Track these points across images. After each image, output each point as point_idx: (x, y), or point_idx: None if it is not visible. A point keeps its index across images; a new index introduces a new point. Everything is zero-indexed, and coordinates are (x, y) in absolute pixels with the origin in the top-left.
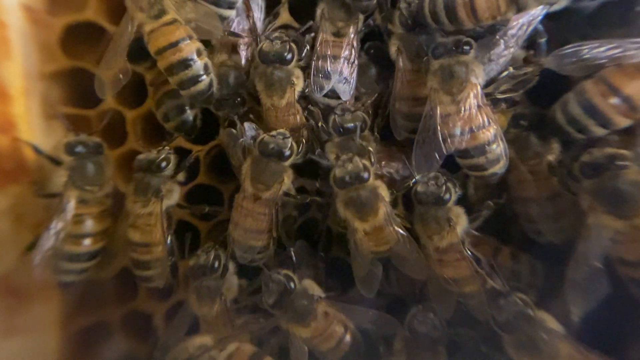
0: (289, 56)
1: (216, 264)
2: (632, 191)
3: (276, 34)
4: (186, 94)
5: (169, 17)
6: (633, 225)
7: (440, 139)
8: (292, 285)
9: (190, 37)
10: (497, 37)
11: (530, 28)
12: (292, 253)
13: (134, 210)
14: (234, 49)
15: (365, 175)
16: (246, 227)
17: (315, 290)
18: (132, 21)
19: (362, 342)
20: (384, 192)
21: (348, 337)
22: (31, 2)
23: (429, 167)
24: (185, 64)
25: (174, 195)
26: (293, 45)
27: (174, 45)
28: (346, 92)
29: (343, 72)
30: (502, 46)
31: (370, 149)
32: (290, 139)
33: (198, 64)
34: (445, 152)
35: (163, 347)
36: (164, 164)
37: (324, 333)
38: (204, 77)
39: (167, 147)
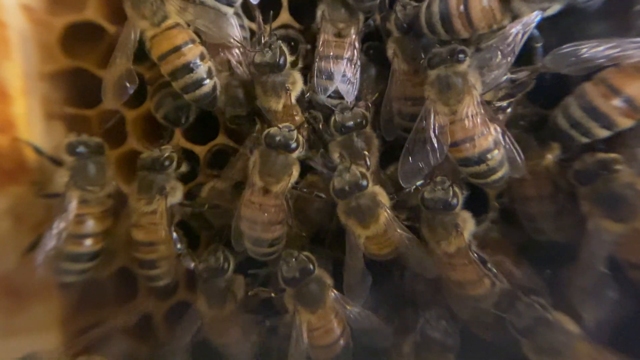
0: (282, 61)
1: (226, 265)
2: (626, 194)
3: (266, 38)
4: (190, 98)
5: (171, 22)
6: (634, 229)
7: (429, 149)
8: (311, 267)
9: (193, 41)
10: (494, 46)
11: (527, 35)
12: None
13: (138, 209)
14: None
15: (364, 183)
16: (256, 220)
17: (328, 280)
18: (135, 29)
19: (351, 350)
20: (384, 198)
21: (342, 342)
22: (31, 2)
23: (415, 177)
24: (189, 67)
25: (177, 193)
26: (284, 49)
27: (177, 49)
28: (350, 92)
29: (346, 73)
30: (500, 55)
31: (366, 152)
32: (295, 132)
33: (202, 68)
34: (432, 163)
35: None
36: (167, 162)
37: (326, 326)
38: (208, 80)
39: (169, 146)
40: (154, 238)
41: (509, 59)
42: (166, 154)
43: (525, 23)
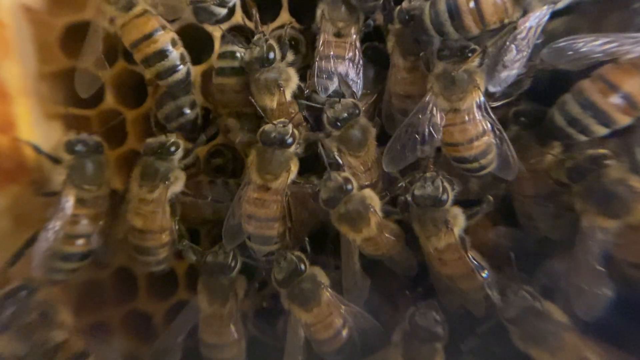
0: (270, 56)
1: (233, 263)
2: (618, 189)
3: (258, 36)
4: (164, 84)
5: (140, 9)
6: (627, 225)
7: (419, 140)
8: (302, 267)
9: (164, 27)
10: (508, 42)
11: (540, 29)
12: (307, 244)
13: (139, 195)
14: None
15: (349, 186)
16: (260, 217)
17: (323, 278)
18: (103, 14)
19: (357, 341)
20: (374, 201)
21: (345, 333)
22: (31, 2)
23: (397, 164)
24: (162, 54)
25: (179, 183)
26: (273, 44)
27: (148, 37)
28: (354, 93)
29: (349, 74)
30: (515, 51)
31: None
32: (290, 126)
33: (174, 54)
34: (419, 154)
35: (159, 352)
36: (173, 148)
37: (324, 321)
38: (181, 66)
39: (174, 134)
40: (152, 226)
41: (525, 53)
42: (172, 139)
43: (537, 17)
